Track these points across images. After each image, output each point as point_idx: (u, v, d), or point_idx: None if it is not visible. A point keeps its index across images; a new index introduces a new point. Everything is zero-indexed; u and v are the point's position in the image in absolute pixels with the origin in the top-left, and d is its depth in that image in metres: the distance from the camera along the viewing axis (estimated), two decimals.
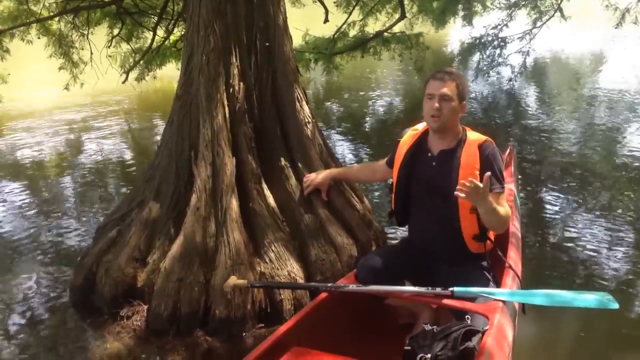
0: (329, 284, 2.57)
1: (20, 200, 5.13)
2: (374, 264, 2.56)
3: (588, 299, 2.31)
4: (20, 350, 3.03)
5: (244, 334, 2.96)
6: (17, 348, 3.04)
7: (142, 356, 2.90)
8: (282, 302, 3.04)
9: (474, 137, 2.53)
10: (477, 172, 2.40)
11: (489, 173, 2.29)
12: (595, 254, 3.89)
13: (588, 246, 3.99)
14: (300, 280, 3.11)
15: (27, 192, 5.38)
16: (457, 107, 2.48)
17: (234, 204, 3.13)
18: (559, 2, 8.60)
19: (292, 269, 3.12)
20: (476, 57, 9.70)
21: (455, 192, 2.25)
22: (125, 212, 3.57)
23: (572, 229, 4.27)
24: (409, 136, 2.68)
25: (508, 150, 3.81)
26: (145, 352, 2.92)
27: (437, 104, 2.44)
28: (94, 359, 2.88)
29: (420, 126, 2.67)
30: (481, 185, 2.22)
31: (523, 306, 2.49)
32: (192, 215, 3.12)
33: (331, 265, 3.19)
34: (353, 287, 2.45)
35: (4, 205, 5.03)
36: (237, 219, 3.12)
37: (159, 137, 4.05)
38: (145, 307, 3.10)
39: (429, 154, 2.58)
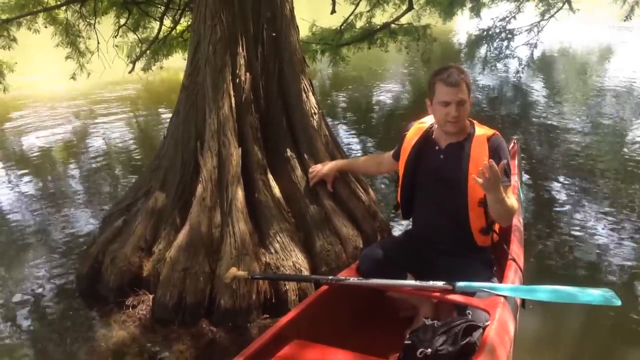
0: (330, 277, 2.57)
1: (26, 189, 5.15)
2: (376, 255, 2.57)
3: (591, 295, 2.30)
4: (26, 337, 3.06)
5: (249, 324, 2.98)
6: (23, 336, 3.07)
7: (147, 345, 2.91)
8: (287, 293, 3.05)
9: (482, 130, 2.53)
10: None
11: (505, 160, 2.30)
12: (599, 249, 3.87)
13: (592, 241, 3.98)
14: (305, 271, 3.11)
15: (33, 180, 5.40)
16: (469, 104, 2.48)
17: (240, 194, 3.14)
18: None
19: (297, 260, 3.13)
20: (483, 49, 9.65)
21: (473, 176, 2.24)
22: (131, 202, 3.59)
23: (577, 224, 4.25)
24: (415, 129, 2.67)
25: (512, 144, 3.79)
26: (151, 341, 2.93)
27: (455, 112, 2.41)
28: (100, 348, 2.90)
29: (427, 119, 2.66)
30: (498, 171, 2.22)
31: (523, 301, 2.48)
32: (198, 205, 3.14)
33: (336, 257, 3.20)
34: (354, 280, 2.45)
35: (10, 193, 5.05)
36: (243, 209, 3.12)
37: (165, 127, 4.05)
38: (151, 296, 3.12)
39: (437, 147, 2.57)
